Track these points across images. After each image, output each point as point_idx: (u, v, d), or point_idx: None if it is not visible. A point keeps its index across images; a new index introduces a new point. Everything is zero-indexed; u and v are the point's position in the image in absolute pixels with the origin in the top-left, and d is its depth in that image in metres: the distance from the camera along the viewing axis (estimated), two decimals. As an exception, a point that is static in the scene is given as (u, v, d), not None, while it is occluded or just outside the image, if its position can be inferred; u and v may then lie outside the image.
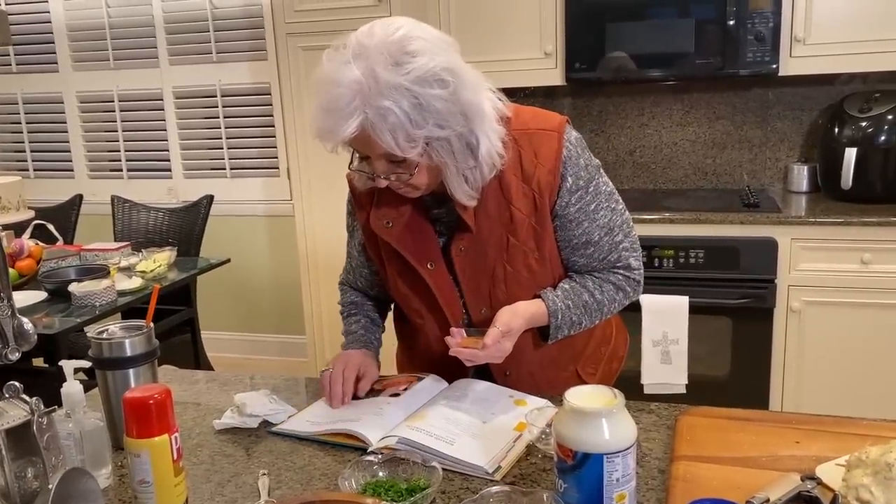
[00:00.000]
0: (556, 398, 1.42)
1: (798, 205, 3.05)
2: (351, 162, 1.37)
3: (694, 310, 2.83)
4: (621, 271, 1.50)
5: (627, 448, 1.00)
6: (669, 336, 2.85)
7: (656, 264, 2.86)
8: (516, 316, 1.41)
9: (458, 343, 1.39)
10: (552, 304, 1.46)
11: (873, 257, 2.74)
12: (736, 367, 2.94)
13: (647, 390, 2.88)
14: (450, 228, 1.46)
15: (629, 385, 1.26)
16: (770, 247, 2.82)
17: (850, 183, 2.90)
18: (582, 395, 1.04)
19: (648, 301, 2.75)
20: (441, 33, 1.30)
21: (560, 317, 1.46)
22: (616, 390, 1.05)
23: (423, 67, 1.22)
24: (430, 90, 1.23)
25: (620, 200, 1.50)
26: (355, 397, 1.49)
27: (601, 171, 1.48)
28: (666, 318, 2.84)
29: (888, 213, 2.75)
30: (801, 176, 3.22)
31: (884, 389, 2.80)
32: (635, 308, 1.58)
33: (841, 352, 2.83)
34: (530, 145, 1.40)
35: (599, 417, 1.00)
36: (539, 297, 1.47)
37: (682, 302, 2.83)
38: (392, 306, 1.70)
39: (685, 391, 2.86)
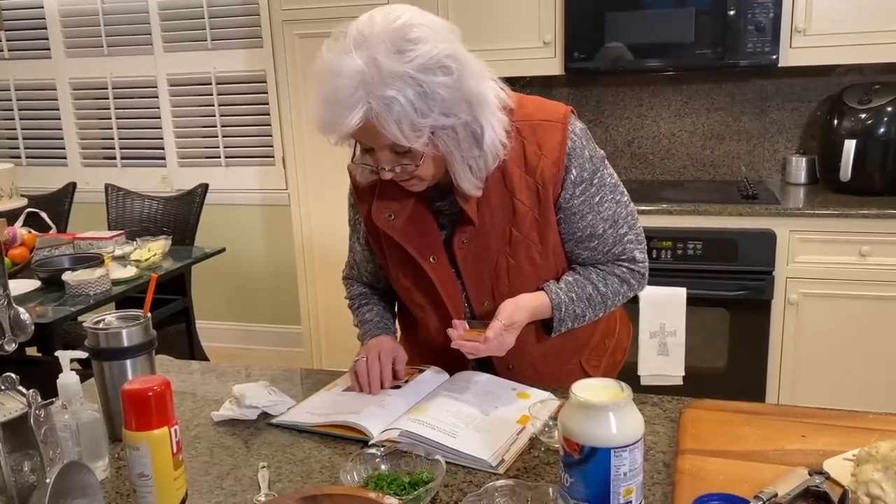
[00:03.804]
0: (559, 390, 1.41)
1: (796, 197, 3.04)
2: (353, 155, 1.35)
3: (691, 301, 2.82)
4: (626, 264, 1.49)
5: (635, 442, 0.99)
6: (667, 327, 2.85)
7: (654, 256, 2.85)
8: (519, 309, 1.39)
9: (460, 335, 1.37)
10: (555, 296, 1.44)
11: (872, 250, 2.74)
12: (733, 359, 2.94)
13: (643, 381, 2.88)
14: (452, 221, 1.44)
15: (625, 376, 1.25)
16: (768, 239, 2.81)
17: (849, 175, 2.90)
18: (589, 389, 1.02)
19: (646, 292, 2.70)
20: (443, 20, 1.29)
21: (563, 310, 1.44)
22: (623, 383, 1.03)
23: (427, 55, 1.20)
24: (434, 77, 1.21)
25: (625, 192, 1.48)
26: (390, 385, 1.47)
27: (606, 162, 1.45)
28: (663, 309, 2.84)
29: (887, 206, 2.74)
30: (799, 168, 3.22)
31: (881, 382, 2.80)
32: (633, 299, 1.57)
33: (838, 344, 2.83)
34: (534, 136, 1.38)
35: (607, 411, 0.98)
36: (542, 289, 1.45)
37: (679, 293, 2.82)
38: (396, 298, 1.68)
39: (682, 383, 2.86)
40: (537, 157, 1.38)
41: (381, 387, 1.44)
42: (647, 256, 1.52)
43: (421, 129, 1.22)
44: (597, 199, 1.43)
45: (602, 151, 1.46)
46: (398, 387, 1.46)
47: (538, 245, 1.43)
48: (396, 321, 1.69)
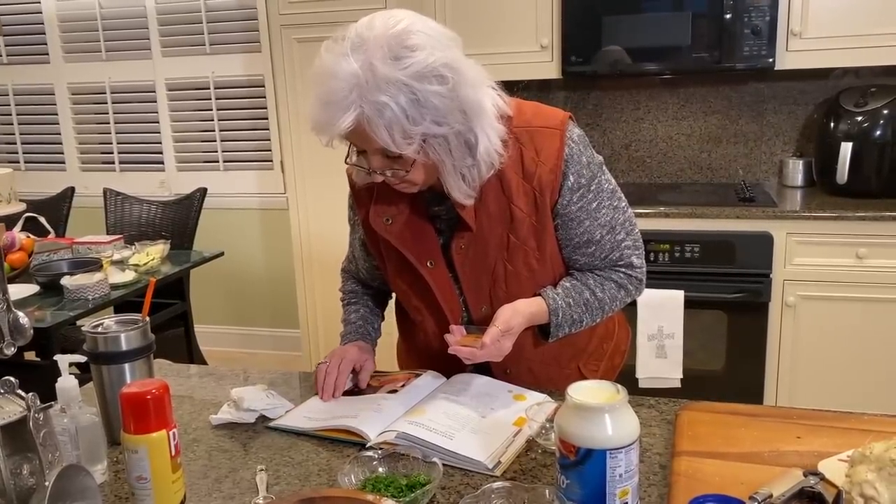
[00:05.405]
0: (556, 393, 1.42)
1: (793, 199, 3.05)
2: (347, 156, 1.36)
3: (689, 304, 2.83)
4: (623, 269, 1.49)
5: (631, 444, 0.99)
6: (665, 330, 2.85)
7: (652, 258, 2.86)
8: (516, 314, 1.39)
9: (457, 341, 1.37)
10: (552, 302, 1.44)
11: (868, 252, 2.74)
12: (731, 362, 2.94)
13: (641, 384, 2.89)
14: (450, 226, 1.45)
15: (623, 379, 1.26)
16: (765, 241, 2.82)
17: (846, 177, 2.91)
18: (584, 391, 1.03)
19: (644, 295, 2.74)
20: (444, 28, 1.28)
21: (560, 315, 1.45)
22: (619, 385, 1.04)
23: (422, 63, 1.20)
24: (429, 86, 1.21)
25: (623, 198, 1.49)
26: (357, 391, 1.49)
27: (604, 168, 1.46)
28: (661, 312, 2.85)
29: (883, 208, 2.75)
30: (796, 170, 3.23)
31: (878, 384, 2.81)
32: (631, 302, 1.58)
33: (835, 346, 2.84)
34: (532, 143, 1.38)
35: (602, 413, 0.99)
36: (539, 295, 1.45)
37: (677, 296, 2.83)
38: (393, 297, 1.68)
39: (680, 385, 2.87)
40: (535, 164, 1.38)
41: (334, 395, 1.46)
42: (644, 262, 1.53)
43: (412, 137, 1.22)
44: (594, 205, 1.43)
45: (600, 157, 1.46)
46: (395, 391, 1.47)
47: (536, 251, 1.43)
48: (396, 323, 1.69)
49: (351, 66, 1.20)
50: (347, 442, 1.31)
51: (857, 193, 2.92)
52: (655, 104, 3.44)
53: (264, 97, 4.08)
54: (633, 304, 2.02)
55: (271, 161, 4.15)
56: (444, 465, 1.16)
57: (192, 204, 3.59)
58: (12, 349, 1.01)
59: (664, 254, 2.90)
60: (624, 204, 1.49)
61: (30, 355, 2.91)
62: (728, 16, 2.90)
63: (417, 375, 1.52)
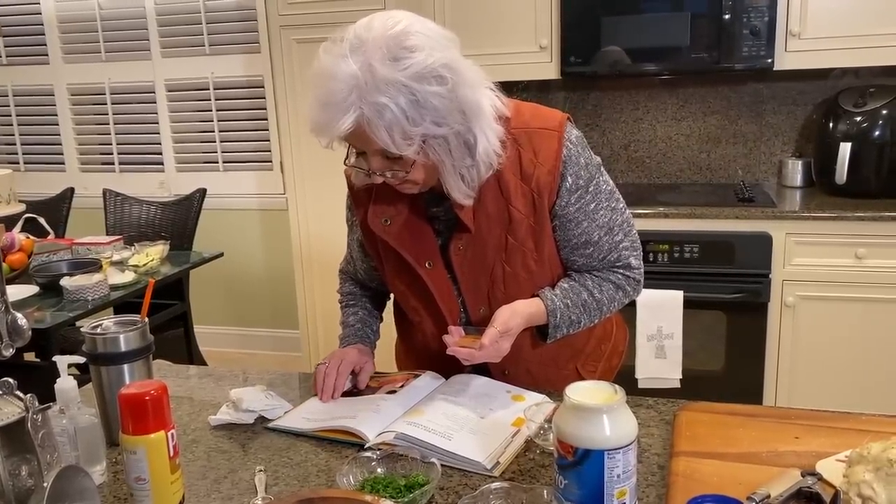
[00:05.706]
0: (555, 393, 1.42)
1: (792, 199, 3.05)
2: (347, 157, 1.36)
3: (688, 304, 2.83)
4: (621, 270, 1.49)
5: (628, 444, 0.99)
6: (664, 331, 2.85)
7: (651, 259, 2.86)
8: (515, 315, 1.40)
9: (456, 342, 1.38)
10: (551, 303, 1.44)
11: (867, 252, 2.75)
12: (730, 362, 2.94)
13: (641, 384, 2.89)
14: (448, 227, 1.45)
15: (622, 379, 1.26)
16: (764, 241, 2.82)
17: (845, 178, 2.91)
18: (582, 391, 1.03)
19: (643, 296, 2.73)
20: (442, 28, 1.28)
21: (559, 316, 1.45)
22: (617, 386, 1.04)
23: (421, 63, 1.20)
24: (428, 87, 1.21)
25: (621, 199, 1.49)
26: (356, 391, 1.49)
27: (602, 169, 1.46)
28: (660, 312, 2.85)
29: (882, 208, 2.75)
30: (795, 170, 3.23)
31: (877, 384, 2.81)
32: (630, 303, 1.58)
33: (834, 346, 2.84)
34: (530, 144, 1.38)
35: (600, 413, 0.99)
36: (538, 296, 1.46)
37: (676, 296, 2.83)
38: (392, 298, 1.69)
39: (679, 385, 2.87)
40: (533, 165, 1.38)
41: (333, 396, 1.46)
42: (642, 263, 1.53)
43: (412, 138, 1.22)
44: (592, 206, 1.44)
45: (598, 158, 1.46)
46: (394, 391, 1.47)
47: (534, 252, 1.44)
48: (395, 324, 1.70)
49: (350, 68, 1.20)
50: (346, 443, 1.32)
51: (856, 193, 2.92)
52: (654, 104, 3.44)
53: (264, 98, 4.08)
54: (633, 304, 2.03)
55: (271, 162, 4.15)
56: (442, 465, 1.17)
57: (191, 204, 3.60)
58: (11, 350, 1.01)
59: (663, 254, 2.90)
60: (622, 205, 1.49)
61: (29, 356, 2.91)
62: (727, 16, 2.90)
63: (416, 376, 1.53)
